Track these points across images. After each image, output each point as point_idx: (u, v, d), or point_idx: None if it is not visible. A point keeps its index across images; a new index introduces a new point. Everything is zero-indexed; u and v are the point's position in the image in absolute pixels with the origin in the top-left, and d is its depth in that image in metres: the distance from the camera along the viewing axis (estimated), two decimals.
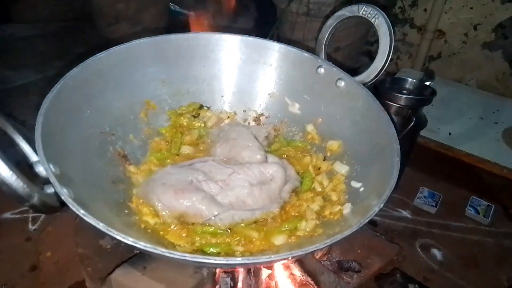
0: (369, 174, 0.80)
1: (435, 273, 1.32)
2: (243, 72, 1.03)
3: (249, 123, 1.06)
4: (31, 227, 1.37)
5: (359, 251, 1.16)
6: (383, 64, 0.92)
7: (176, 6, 2.83)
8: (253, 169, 0.82)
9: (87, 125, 0.80)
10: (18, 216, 1.40)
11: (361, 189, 0.79)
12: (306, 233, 0.74)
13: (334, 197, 0.82)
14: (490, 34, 2.18)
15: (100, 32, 2.60)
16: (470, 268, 1.34)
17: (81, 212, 0.53)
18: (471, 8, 2.17)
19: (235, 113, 1.06)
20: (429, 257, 1.38)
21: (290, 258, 0.59)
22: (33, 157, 0.60)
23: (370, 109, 0.86)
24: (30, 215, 1.40)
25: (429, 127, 1.52)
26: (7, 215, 1.40)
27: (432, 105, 1.42)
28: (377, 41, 0.92)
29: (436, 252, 1.40)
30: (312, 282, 1.00)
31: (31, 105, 1.89)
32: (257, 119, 1.06)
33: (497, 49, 2.20)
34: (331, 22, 0.99)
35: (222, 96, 1.05)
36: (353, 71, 0.95)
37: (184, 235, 0.73)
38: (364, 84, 0.92)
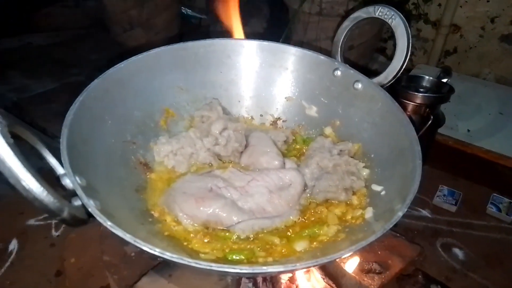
0: (390, 177, 0.79)
1: (458, 273, 1.30)
2: (260, 76, 1.04)
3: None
4: (54, 233, 1.40)
5: (379, 252, 1.15)
6: (401, 65, 0.91)
7: (188, 10, 2.86)
8: (271, 175, 0.83)
9: (110, 135, 0.81)
10: (41, 222, 1.44)
11: (383, 193, 0.79)
12: (328, 239, 0.74)
13: (355, 201, 0.82)
14: (508, 26, 2.14)
15: (115, 38, 2.64)
16: (493, 268, 1.32)
17: (108, 224, 0.54)
18: (488, 1, 2.13)
19: (252, 117, 1.06)
20: (451, 256, 1.36)
21: (315, 265, 0.59)
22: (59, 170, 0.61)
23: (389, 111, 0.85)
24: (53, 221, 1.44)
25: (447, 124, 1.50)
26: (31, 221, 1.44)
27: (450, 101, 1.41)
28: (390, 38, 0.91)
29: (457, 251, 1.38)
30: (334, 285, 1.00)
31: (50, 112, 1.95)
32: (274, 123, 1.06)
33: None
34: (347, 24, 0.99)
35: (239, 101, 1.06)
36: (367, 69, 0.94)
37: (206, 241, 0.74)
38: (382, 86, 0.92)
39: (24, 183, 0.46)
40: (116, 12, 2.47)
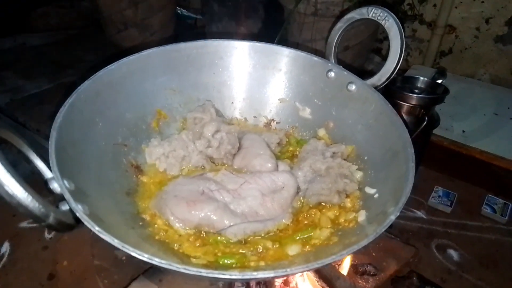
0: (383, 179, 0.79)
1: (453, 274, 1.30)
2: (253, 78, 1.03)
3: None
4: (47, 235, 1.39)
5: (374, 254, 1.15)
6: (394, 66, 0.90)
7: (183, 10, 2.85)
8: (264, 178, 0.82)
9: (100, 138, 0.80)
10: (34, 225, 1.42)
11: (376, 195, 0.78)
12: (321, 242, 0.73)
13: (348, 203, 0.81)
14: (503, 27, 2.14)
15: (110, 38, 2.62)
16: (488, 269, 1.32)
17: (96, 229, 0.54)
18: (483, 2, 2.13)
19: (245, 119, 1.06)
20: (446, 258, 1.36)
21: (306, 270, 0.58)
22: (47, 174, 0.60)
23: (383, 112, 0.85)
24: None
25: (442, 125, 1.50)
26: (24, 224, 1.43)
27: (445, 102, 1.41)
28: (386, 38, 0.91)
29: (452, 252, 1.38)
30: None
31: (45, 113, 1.93)
32: (267, 125, 1.05)
33: (511, 43, 2.16)
34: (341, 25, 0.98)
35: (232, 102, 1.05)
36: (363, 70, 0.93)
37: (198, 245, 0.73)
38: (376, 87, 0.91)
39: (7, 189, 0.45)
40: (111, 12, 2.45)
